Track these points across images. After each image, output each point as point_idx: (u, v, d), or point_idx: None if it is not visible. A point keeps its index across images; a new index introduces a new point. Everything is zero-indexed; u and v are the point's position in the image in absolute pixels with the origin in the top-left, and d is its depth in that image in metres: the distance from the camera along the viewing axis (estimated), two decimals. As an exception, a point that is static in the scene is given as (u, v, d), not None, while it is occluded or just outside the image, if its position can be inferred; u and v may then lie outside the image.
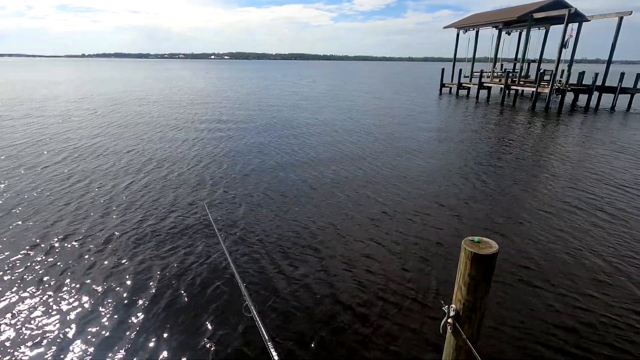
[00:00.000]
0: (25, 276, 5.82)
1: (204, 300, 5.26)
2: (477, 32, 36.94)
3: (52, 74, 73.07)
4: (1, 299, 5.25)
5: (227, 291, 5.47)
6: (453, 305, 2.82)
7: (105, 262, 6.24)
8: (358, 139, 16.13)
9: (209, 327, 4.75)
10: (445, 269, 6.19)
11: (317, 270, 6.08)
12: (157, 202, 8.88)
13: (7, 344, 4.46)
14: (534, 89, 27.66)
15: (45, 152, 13.18)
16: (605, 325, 4.89)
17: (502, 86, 30.61)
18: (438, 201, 9.23)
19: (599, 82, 27.83)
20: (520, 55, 35.69)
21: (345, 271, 6.07)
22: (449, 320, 2.85)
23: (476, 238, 2.66)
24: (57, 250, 6.62)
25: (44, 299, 5.30)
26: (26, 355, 4.30)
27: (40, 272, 5.94)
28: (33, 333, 4.65)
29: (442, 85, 40.55)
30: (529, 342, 4.59)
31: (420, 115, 23.72)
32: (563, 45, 26.17)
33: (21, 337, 4.58)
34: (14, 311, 5.03)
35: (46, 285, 5.60)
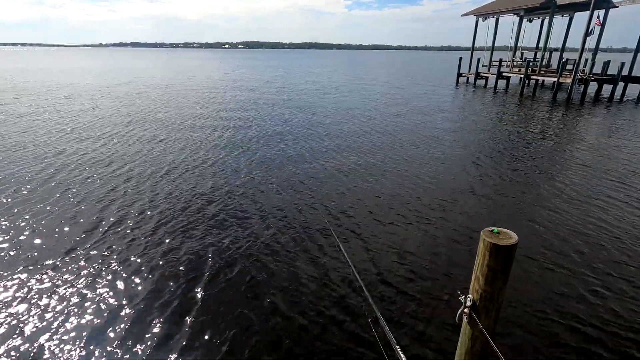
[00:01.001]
0: (86, 260, 6.06)
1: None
2: (497, 20, 35.81)
3: (75, 63, 74.49)
4: (63, 279, 5.49)
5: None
6: (470, 296, 2.81)
7: (161, 244, 6.47)
8: (380, 128, 16.09)
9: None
10: (463, 259, 6.18)
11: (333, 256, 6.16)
12: (200, 188, 9.17)
13: (71, 321, 4.69)
14: (556, 79, 26.78)
15: (85, 139, 13.61)
16: (627, 320, 4.81)
17: (522, 76, 29.73)
18: (456, 191, 9.20)
19: (625, 72, 26.73)
20: (541, 44, 34.56)
21: (365, 257, 6.11)
22: (466, 310, 2.85)
23: (495, 229, 2.64)
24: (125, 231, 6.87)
25: (111, 282, 5.52)
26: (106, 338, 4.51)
27: (105, 254, 6.18)
28: (107, 315, 4.87)
29: (459, 74, 39.65)
30: (547, 335, 4.55)
31: (437, 105, 23.32)
32: (588, 33, 25.15)
33: (95, 318, 4.80)
34: (79, 292, 5.26)
35: (115, 268, 5.82)
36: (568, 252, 6.43)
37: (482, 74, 36.26)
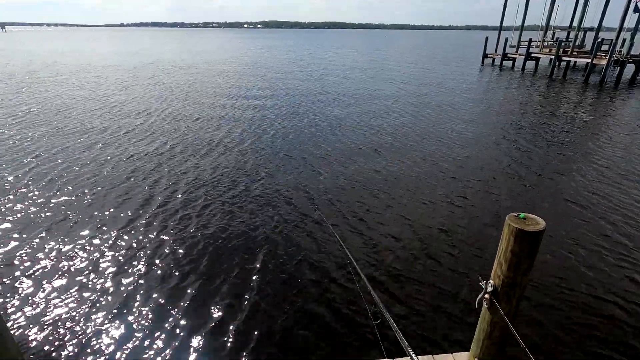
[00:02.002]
0: (137, 235, 6.33)
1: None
2: (528, -3, 33.89)
3: (101, 43, 75.74)
4: (117, 253, 5.77)
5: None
6: (491, 281, 2.76)
7: (209, 219, 6.70)
8: (406, 109, 15.81)
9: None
10: (485, 244, 6.10)
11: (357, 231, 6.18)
12: (241, 166, 9.44)
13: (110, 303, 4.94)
14: (589, 60, 25.32)
15: (124, 117, 14.00)
16: (651, 313, 4.65)
17: (553, 57, 28.28)
18: (481, 174, 9.05)
19: (666, 53, 25.00)
20: (575, 23, 32.61)
21: (387, 237, 6.11)
22: (486, 295, 2.80)
23: (522, 214, 2.55)
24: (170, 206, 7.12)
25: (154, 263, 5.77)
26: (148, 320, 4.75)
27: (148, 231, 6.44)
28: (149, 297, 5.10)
29: (485, 55, 38.03)
30: (570, 324, 4.46)
31: (461, 86, 22.54)
32: (629, 10, 23.46)
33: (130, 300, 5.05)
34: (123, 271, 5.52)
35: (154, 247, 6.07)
36: (597, 241, 6.22)
37: (509, 55, 34.70)
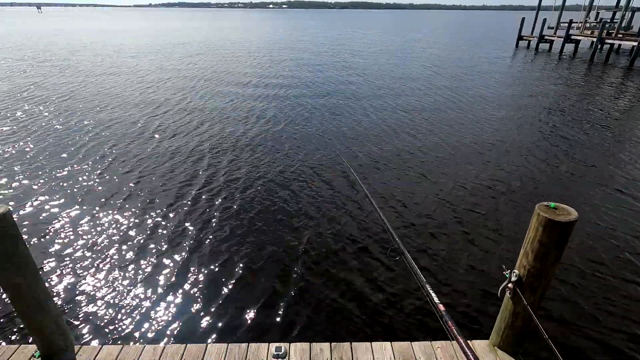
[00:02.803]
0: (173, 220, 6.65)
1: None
2: (571, -26, 31.59)
3: (133, 24, 77.19)
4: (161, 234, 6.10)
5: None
6: (516, 271, 2.71)
7: (253, 194, 6.95)
8: (437, 91, 15.42)
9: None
10: (511, 232, 5.97)
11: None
12: (300, 149, 9.58)
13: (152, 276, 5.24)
14: (635, 43, 23.55)
15: (163, 96, 14.42)
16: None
17: (595, 39, 26.46)
18: (512, 161, 8.80)
19: None
20: (623, 2, 30.21)
21: (411, 217, 6.09)
22: (510, 285, 2.76)
23: (552, 204, 2.46)
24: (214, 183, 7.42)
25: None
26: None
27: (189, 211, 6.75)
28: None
29: (520, 37, 36.06)
30: (596, 318, 4.34)
31: (494, 69, 21.56)
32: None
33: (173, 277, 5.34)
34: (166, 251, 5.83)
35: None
36: (633, 238, 5.94)
37: (546, 37, 32.76)
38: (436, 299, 2.58)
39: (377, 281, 4.89)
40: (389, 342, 3.20)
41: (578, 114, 12.71)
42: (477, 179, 7.92)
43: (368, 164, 8.65)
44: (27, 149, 9.18)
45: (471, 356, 2.20)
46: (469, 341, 3.21)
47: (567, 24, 29.64)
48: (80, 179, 7.69)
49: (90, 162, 8.50)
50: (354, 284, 4.83)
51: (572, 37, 29.82)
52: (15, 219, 2.54)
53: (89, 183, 7.53)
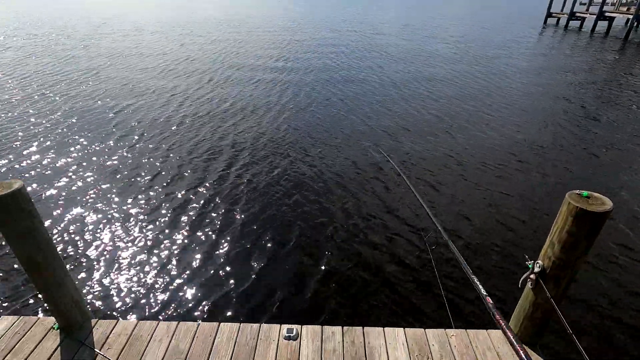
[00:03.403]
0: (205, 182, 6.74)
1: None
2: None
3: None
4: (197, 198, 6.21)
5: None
6: (540, 262, 2.57)
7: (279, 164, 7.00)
8: (461, 71, 14.88)
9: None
10: (536, 221, 5.78)
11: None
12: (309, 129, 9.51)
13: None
14: (676, 21, 21.96)
15: (185, 74, 14.41)
16: None
17: (631, 16, 24.81)
18: (540, 147, 8.49)
19: None
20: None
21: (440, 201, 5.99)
22: (532, 276, 2.64)
23: (585, 192, 2.29)
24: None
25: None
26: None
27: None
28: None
29: (549, 14, 34.13)
30: (621, 313, 4.18)
31: (519, 49, 20.55)
32: None
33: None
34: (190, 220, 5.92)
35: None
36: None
37: (577, 14, 30.94)
38: (483, 291, 2.69)
39: (407, 267, 4.82)
40: (402, 328, 3.15)
41: (613, 97, 12.06)
42: (507, 162, 7.69)
43: (397, 144, 8.52)
44: (54, 125, 9.34)
45: (521, 353, 2.25)
46: (484, 330, 3.13)
47: (600, 0, 27.82)
48: (104, 156, 7.80)
49: (120, 139, 8.61)
50: (381, 269, 4.78)
51: (606, 13, 28.04)
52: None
53: (111, 160, 7.63)
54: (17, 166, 7.26)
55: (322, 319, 4.02)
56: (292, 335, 3.05)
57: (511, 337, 2.42)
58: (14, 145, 8.16)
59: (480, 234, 5.49)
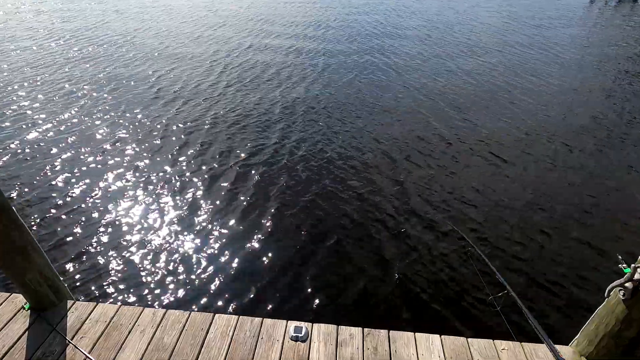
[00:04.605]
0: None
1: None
2: None
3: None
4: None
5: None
6: (643, 267, 1.87)
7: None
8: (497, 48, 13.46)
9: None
10: (634, 220, 4.85)
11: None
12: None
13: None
14: None
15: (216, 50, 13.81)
16: None
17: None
18: (612, 136, 7.15)
19: None
20: None
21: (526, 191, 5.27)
22: (628, 284, 1.94)
23: None
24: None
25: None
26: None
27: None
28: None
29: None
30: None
31: (564, 24, 18.60)
32: None
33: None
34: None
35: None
36: None
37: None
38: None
39: (438, 266, 4.11)
40: (438, 335, 2.53)
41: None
42: (582, 152, 6.53)
43: (430, 140, 7.05)
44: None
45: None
46: (542, 344, 2.47)
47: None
48: (97, 124, 7.32)
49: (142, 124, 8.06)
50: (416, 267, 4.08)
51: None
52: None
53: (112, 129, 7.16)
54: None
55: (336, 318, 3.41)
56: (300, 335, 2.48)
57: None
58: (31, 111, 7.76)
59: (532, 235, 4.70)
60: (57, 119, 7.40)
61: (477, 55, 12.51)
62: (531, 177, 5.78)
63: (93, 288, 3.73)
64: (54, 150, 6.21)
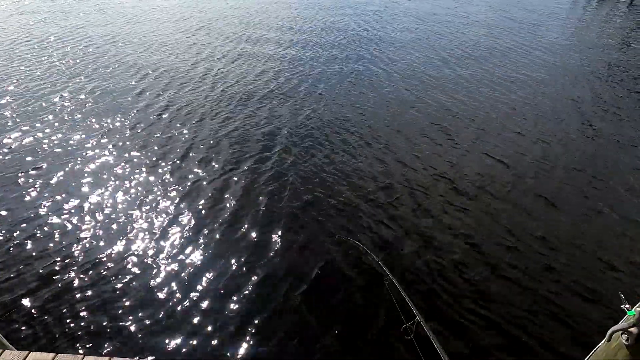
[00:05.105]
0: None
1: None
2: None
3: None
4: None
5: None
6: (649, 310, 1.60)
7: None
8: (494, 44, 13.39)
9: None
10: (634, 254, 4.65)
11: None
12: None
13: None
14: None
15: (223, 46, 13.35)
16: None
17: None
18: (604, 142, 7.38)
19: None
20: None
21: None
22: (633, 329, 1.66)
23: None
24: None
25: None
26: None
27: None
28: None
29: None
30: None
31: (548, 22, 18.62)
32: None
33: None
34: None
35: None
36: None
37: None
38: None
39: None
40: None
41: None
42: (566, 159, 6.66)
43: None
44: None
45: None
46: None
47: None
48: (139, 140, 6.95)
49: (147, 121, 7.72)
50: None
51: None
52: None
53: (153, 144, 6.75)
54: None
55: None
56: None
57: None
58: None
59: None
60: (25, 127, 6.99)
61: (471, 57, 12.42)
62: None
63: (21, 336, 3.31)
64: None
